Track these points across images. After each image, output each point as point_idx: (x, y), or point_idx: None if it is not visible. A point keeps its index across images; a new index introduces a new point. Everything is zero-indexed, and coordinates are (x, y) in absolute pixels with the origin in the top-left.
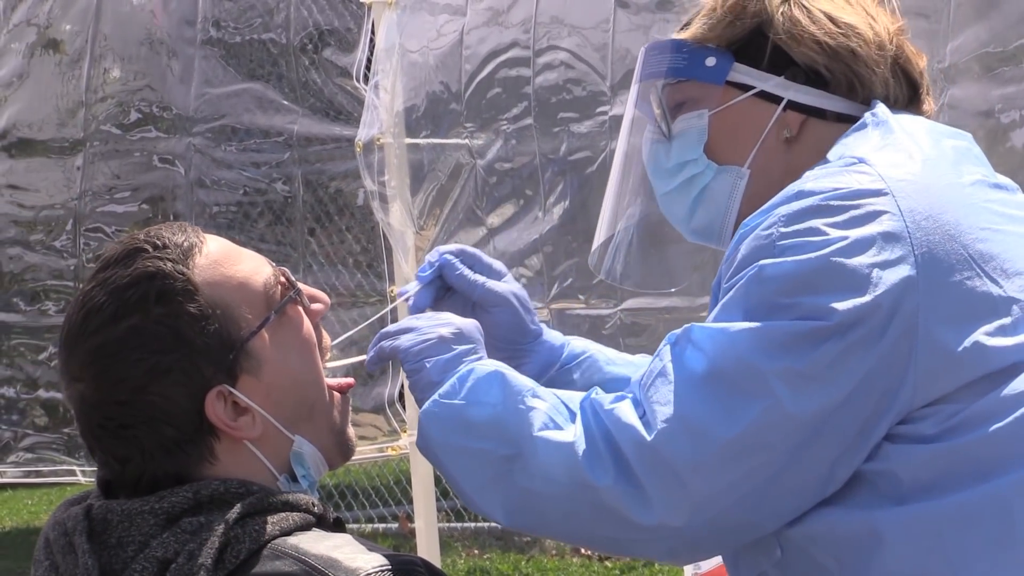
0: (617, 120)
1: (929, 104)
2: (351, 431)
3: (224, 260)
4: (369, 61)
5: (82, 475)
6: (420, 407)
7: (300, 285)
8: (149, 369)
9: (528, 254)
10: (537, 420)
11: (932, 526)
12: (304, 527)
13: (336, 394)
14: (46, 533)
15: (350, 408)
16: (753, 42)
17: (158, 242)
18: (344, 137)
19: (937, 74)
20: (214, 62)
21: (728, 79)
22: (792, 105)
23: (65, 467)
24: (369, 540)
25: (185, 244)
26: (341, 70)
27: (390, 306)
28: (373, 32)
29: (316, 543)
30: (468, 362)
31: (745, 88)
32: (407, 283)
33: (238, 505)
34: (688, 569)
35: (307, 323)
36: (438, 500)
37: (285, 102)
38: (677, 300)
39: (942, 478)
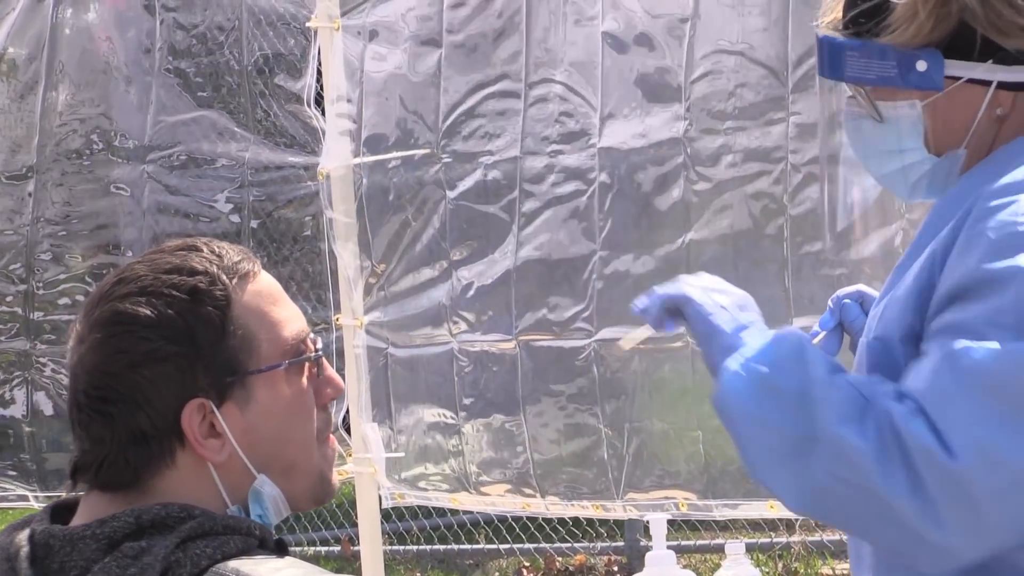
0: (605, 151)
1: None
2: (334, 476)
3: (269, 296)
4: (320, 87)
5: (35, 501)
6: (713, 365)
7: (325, 363)
8: (150, 350)
9: (499, 287)
10: (834, 409)
11: None
12: (246, 550)
13: (328, 439)
14: None
15: (336, 455)
16: (960, 35)
17: (217, 250)
18: (291, 164)
19: None
20: (170, 90)
21: None
22: (1001, 84)
23: (18, 492)
24: (311, 563)
25: (241, 266)
26: (292, 96)
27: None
28: (320, 58)
29: (257, 566)
30: (759, 327)
31: (954, 78)
32: (353, 314)
33: (180, 529)
34: None
35: (311, 393)
36: (381, 523)
37: (237, 129)
38: (652, 330)
39: None
